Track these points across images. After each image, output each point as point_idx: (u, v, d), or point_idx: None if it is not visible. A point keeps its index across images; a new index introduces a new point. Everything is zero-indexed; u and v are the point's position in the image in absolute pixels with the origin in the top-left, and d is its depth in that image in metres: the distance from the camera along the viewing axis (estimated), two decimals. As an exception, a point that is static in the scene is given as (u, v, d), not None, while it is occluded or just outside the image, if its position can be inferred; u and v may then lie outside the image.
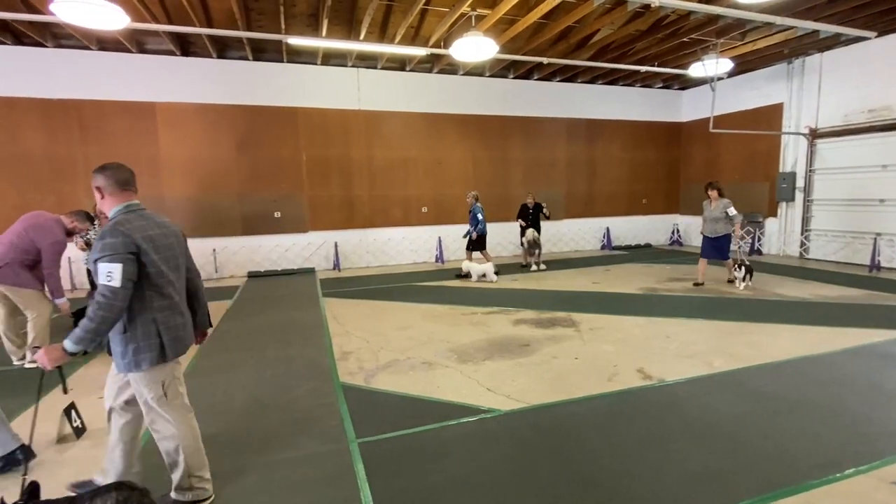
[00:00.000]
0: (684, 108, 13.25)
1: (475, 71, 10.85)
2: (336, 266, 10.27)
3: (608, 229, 12.73)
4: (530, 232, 9.63)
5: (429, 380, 4.05)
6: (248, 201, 9.67)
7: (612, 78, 11.85)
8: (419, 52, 8.65)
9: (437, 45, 8.60)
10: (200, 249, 9.47)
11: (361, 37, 8.02)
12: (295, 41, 7.87)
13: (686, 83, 12.56)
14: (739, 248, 7.64)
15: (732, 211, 7.20)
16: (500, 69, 10.97)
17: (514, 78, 11.34)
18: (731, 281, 7.70)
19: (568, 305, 6.54)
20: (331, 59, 9.82)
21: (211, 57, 9.06)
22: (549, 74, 11.33)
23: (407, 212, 10.84)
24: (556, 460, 2.79)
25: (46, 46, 8.18)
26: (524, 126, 11.62)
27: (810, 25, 7.49)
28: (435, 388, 3.87)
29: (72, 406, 3.28)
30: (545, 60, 9.42)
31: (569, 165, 12.23)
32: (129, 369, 2.27)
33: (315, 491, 2.55)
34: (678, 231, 13.51)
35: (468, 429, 3.20)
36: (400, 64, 10.34)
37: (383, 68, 10.25)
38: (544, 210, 9.84)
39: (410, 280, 8.87)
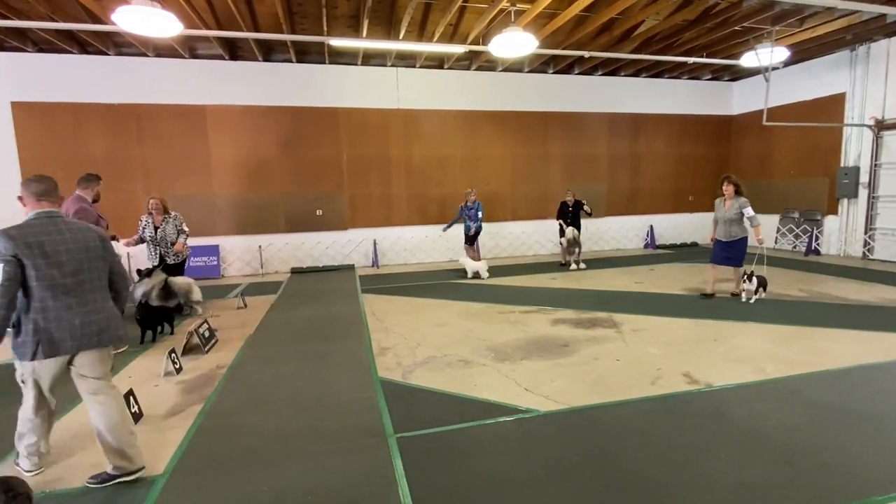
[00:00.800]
0: (735, 100, 12.61)
1: (514, 67, 10.73)
2: (374, 263, 10.43)
3: (652, 227, 12.32)
4: (570, 230, 9.44)
5: (466, 377, 4.06)
6: (291, 200, 9.97)
7: (658, 71, 11.43)
8: (457, 49, 8.64)
9: (475, 42, 8.56)
10: (247, 246, 9.87)
11: (401, 36, 8.08)
12: (336, 42, 8.04)
13: (737, 74, 11.95)
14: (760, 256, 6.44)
15: (750, 212, 6.16)
16: (540, 64, 10.81)
17: (555, 73, 11.14)
18: (735, 295, 6.55)
19: (609, 305, 6.37)
20: (371, 59, 9.97)
21: (257, 60, 9.40)
22: (591, 68, 11.06)
23: (444, 210, 10.86)
24: (596, 464, 2.73)
25: (108, 54, 8.73)
26: (564, 121, 11.39)
27: (877, 9, 6.95)
28: (472, 386, 3.87)
29: (130, 392, 3.50)
30: (587, 54, 9.21)
31: (611, 161, 11.90)
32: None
33: (355, 483, 2.61)
34: (727, 229, 12.89)
35: (506, 428, 3.18)
36: (438, 62, 10.37)
37: (422, 67, 10.31)
38: (585, 207, 9.61)
39: (447, 277, 8.90)
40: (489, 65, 10.52)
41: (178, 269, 6.39)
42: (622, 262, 10.14)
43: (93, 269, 2.69)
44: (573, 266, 9.45)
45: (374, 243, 10.44)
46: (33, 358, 2.53)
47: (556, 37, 8.76)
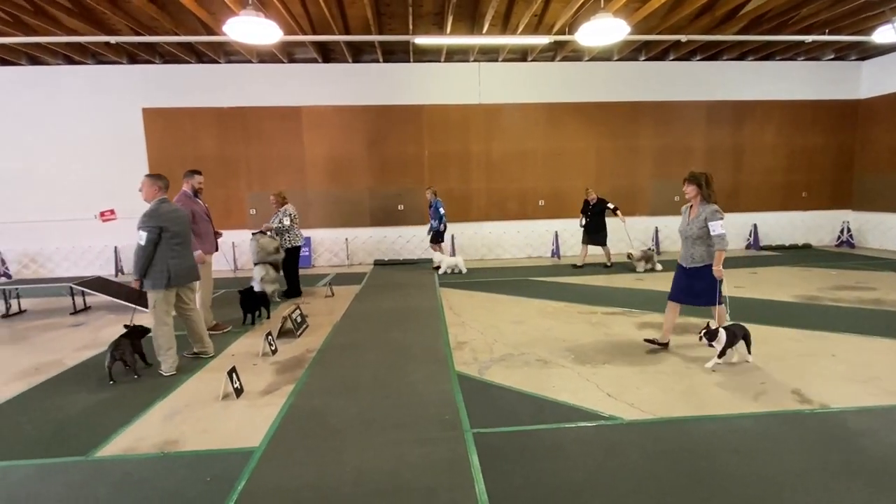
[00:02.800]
0: (864, 81, 10.99)
1: (602, 56, 10.23)
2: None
3: (755, 226, 11.17)
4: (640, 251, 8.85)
5: (544, 378, 3.96)
6: (375, 195, 10.38)
7: (767, 52, 10.29)
8: (542, 40, 8.43)
9: (561, 32, 8.27)
10: (335, 238, 10.45)
11: (484, 30, 8.04)
12: (421, 41, 8.19)
13: (867, 52, 10.41)
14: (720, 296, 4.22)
15: (717, 228, 4.07)
16: (630, 51, 10.20)
17: (646, 60, 10.46)
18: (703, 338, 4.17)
19: (703, 311, 5.84)
20: (454, 55, 10.04)
21: (347, 62, 9.86)
22: (688, 53, 10.24)
23: (523, 205, 10.69)
24: (687, 482, 2.53)
25: (219, 62, 9.65)
26: (656, 111, 10.67)
27: None
28: (550, 387, 3.77)
29: (233, 370, 3.86)
30: (684, 38, 8.53)
31: (708, 153, 10.95)
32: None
33: (432, 474, 2.65)
34: (848, 230, 11.31)
35: (586, 434, 3.06)
36: (521, 55, 10.19)
37: (504, 60, 10.20)
38: (610, 205, 8.98)
39: (525, 274, 8.75)
40: (575, 55, 10.13)
41: (285, 256, 7.08)
42: (719, 264, 9.29)
43: (188, 234, 4.43)
44: (639, 269, 8.77)
45: (452, 238, 10.55)
46: (166, 286, 4.19)
47: (649, 21, 8.21)
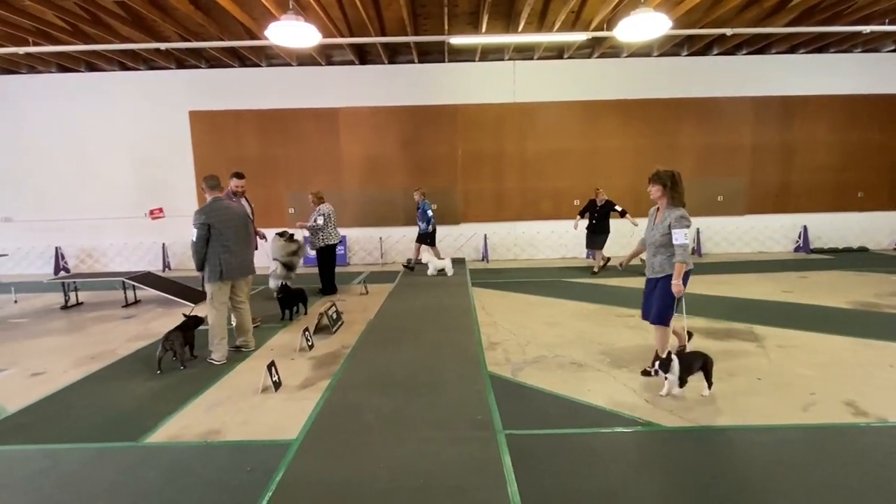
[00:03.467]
0: (931, 73, 10.23)
1: (641, 51, 9.97)
2: (485, 258, 10.52)
3: (805, 228, 10.60)
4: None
5: (578, 381, 3.90)
6: (409, 195, 10.44)
7: (821, 45, 9.74)
8: (580, 37, 8.28)
9: (599, 28, 8.11)
10: (368, 237, 10.62)
11: (520, 28, 7.97)
12: (456, 40, 8.20)
13: (937, 41, 9.68)
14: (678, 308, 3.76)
15: (680, 237, 3.59)
16: (672, 46, 9.89)
17: (689, 55, 10.11)
18: (647, 373, 3.93)
19: (749, 316, 5.63)
20: (488, 54, 10.01)
21: (383, 63, 9.99)
22: (734, 47, 9.84)
23: (557, 205, 10.54)
24: (729, 493, 2.43)
25: (261, 66, 9.97)
26: (698, 108, 10.29)
27: None
28: (585, 390, 3.71)
29: (272, 364, 3.98)
30: (729, 32, 8.18)
31: (755, 151, 10.47)
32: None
33: (464, 474, 2.66)
34: (912, 232, 10.58)
35: (622, 439, 2.99)
36: (557, 52, 10.05)
37: (540, 58, 10.09)
38: (617, 207, 8.59)
39: (559, 275, 8.63)
40: (613, 51, 9.91)
41: (320, 254, 7.29)
42: (766, 267, 8.89)
43: (241, 230, 4.63)
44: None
45: (485, 238, 10.52)
46: (220, 279, 4.47)
47: (692, 15, 7.94)
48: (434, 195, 10.46)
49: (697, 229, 10.52)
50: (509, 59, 10.09)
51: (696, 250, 10.44)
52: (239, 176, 5.74)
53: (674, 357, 3.49)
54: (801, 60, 10.22)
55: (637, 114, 10.29)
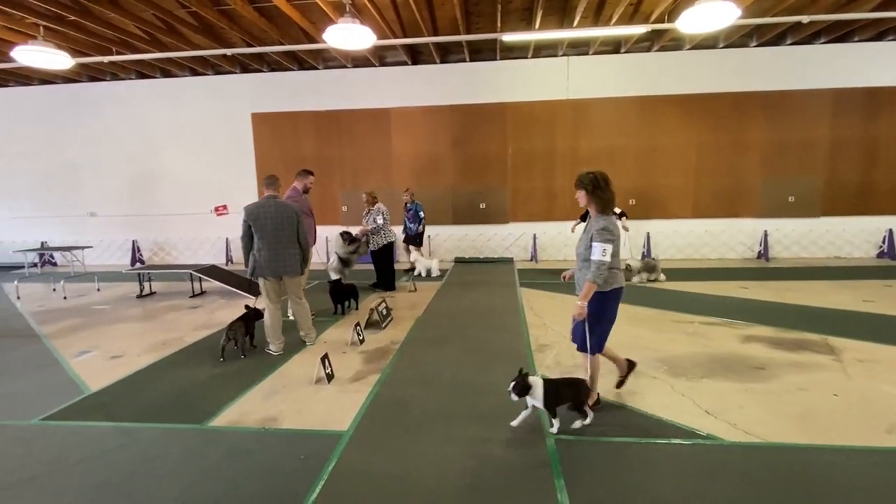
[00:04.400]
0: None
1: (705, 43, 9.44)
2: (533, 257, 10.36)
3: (890, 232, 9.65)
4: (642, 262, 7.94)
5: (632, 388, 3.74)
6: (458, 193, 10.50)
7: (916, 29, 8.81)
8: (639, 30, 7.96)
9: (660, 20, 7.75)
10: (417, 235, 10.73)
11: (575, 23, 7.77)
12: (509, 38, 8.11)
13: None
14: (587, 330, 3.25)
15: (597, 251, 3.07)
16: (740, 37, 9.30)
17: (758, 45, 9.45)
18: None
19: (823, 326, 5.20)
20: (541, 50, 9.83)
21: (435, 63, 10.06)
22: (811, 36, 9.10)
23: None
24: (801, 517, 2.26)
25: (318, 68, 10.32)
26: (768, 102, 9.61)
27: None
28: (640, 398, 3.56)
29: (326, 356, 4.11)
30: (806, 19, 7.58)
31: (833, 148, 9.65)
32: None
33: (513, 476, 2.63)
34: None
35: (679, 452, 2.84)
36: (614, 46, 9.71)
37: (595, 53, 9.79)
38: (616, 210, 7.86)
39: (612, 277, 8.32)
40: (674, 44, 9.45)
41: (376, 254, 7.44)
42: (843, 274, 8.17)
43: (278, 229, 4.61)
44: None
45: (534, 237, 10.35)
46: (252, 276, 4.70)
47: (763, 3, 7.43)
48: (483, 194, 10.43)
49: (765, 232, 9.84)
50: (563, 55, 9.86)
51: (763, 254, 9.77)
52: (311, 172, 6.00)
53: (539, 382, 3.03)
54: (889, 48, 9.28)
55: (699, 109, 9.75)
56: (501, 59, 10.01)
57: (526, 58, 9.94)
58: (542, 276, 8.71)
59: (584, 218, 8.32)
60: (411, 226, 8.87)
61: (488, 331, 5.35)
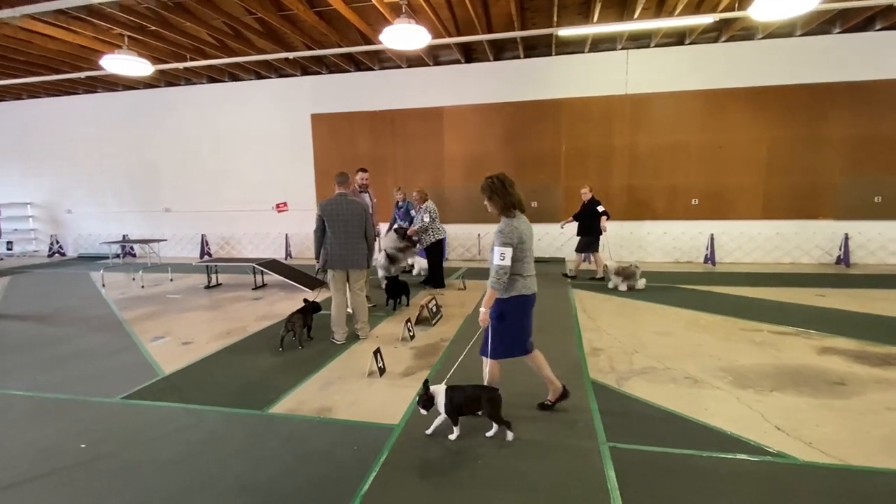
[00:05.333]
0: None
1: (780, 32, 8.76)
2: (587, 258, 10.06)
3: None
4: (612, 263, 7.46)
5: (694, 398, 3.55)
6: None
7: None
8: (706, 20, 7.50)
9: (729, 9, 7.29)
10: (467, 234, 10.74)
11: (636, 15, 7.46)
12: (565, 32, 7.93)
13: None
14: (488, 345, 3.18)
15: (495, 255, 3.09)
16: (820, 24, 8.55)
17: (842, 32, 8.65)
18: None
19: (915, 340, 4.69)
20: (599, 44, 9.52)
21: (489, 60, 10.00)
22: (907, 19, 8.20)
23: (672, 203, 9.72)
24: (889, 550, 2.05)
25: (374, 69, 10.55)
26: (853, 94, 8.78)
27: None
28: (702, 409, 3.37)
29: (378, 351, 4.21)
30: (903, 0, 6.84)
31: (930, 144, 8.67)
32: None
33: (565, 481, 2.57)
34: None
35: (747, 469, 2.66)
36: (677, 38, 9.23)
37: (657, 46, 9.35)
38: (599, 209, 7.73)
39: (671, 280, 7.95)
40: (745, 33, 8.84)
41: (428, 251, 7.54)
42: (941, 284, 7.34)
43: (346, 224, 4.83)
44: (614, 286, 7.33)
45: (589, 238, 10.05)
46: (323, 268, 4.95)
47: (852, -16, 6.78)
48: (535, 192, 10.26)
49: (846, 235, 9.02)
50: (622, 49, 9.50)
51: (843, 259, 8.97)
52: (363, 170, 6.16)
53: (441, 391, 2.96)
54: None
55: (772, 102, 9.07)
56: (556, 54, 9.79)
57: (582, 52, 9.66)
58: (573, 278, 8.44)
59: (576, 217, 8.18)
60: (402, 223, 8.67)
61: (539, 332, 5.19)
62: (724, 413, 3.31)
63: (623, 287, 7.24)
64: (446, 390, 2.98)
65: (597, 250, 8.21)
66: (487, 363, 3.22)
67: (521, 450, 2.88)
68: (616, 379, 3.94)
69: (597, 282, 7.94)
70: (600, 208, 7.91)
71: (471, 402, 2.96)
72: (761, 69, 9.03)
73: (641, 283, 7.29)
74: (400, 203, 8.74)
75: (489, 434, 3.03)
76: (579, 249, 8.27)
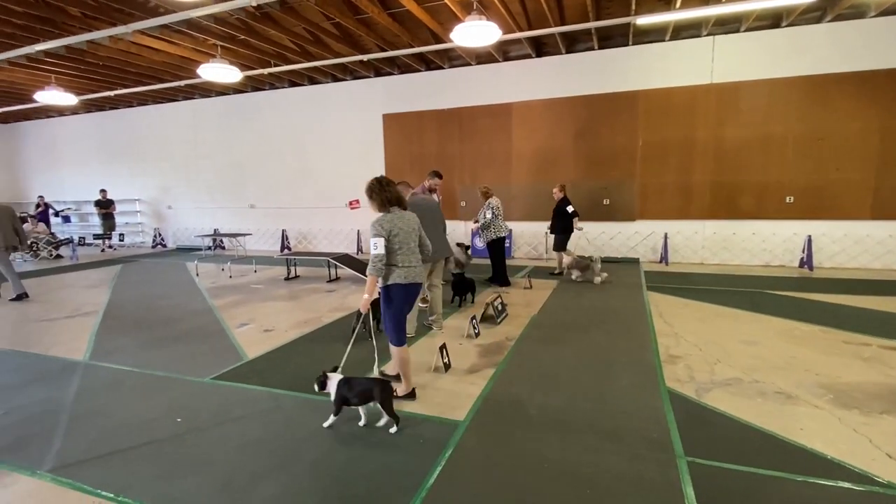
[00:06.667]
0: None
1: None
2: (663, 259, 9.51)
3: None
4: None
5: (787, 416, 3.24)
6: (579, 189, 10.04)
7: None
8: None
9: (838, -16, 6.52)
10: (534, 232, 10.54)
11: (725, -3, 6.90)
12: (644, 20, 7.51)
13: None
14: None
15: (371, 246, 3.53)
16: (956, -6, 7.40)
17: None
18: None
19: None
20: (681, 32, 8.92)
21: (560, 53, 9.72)
22: None
23: (762, 201, 8.90)
24: None
25: (444, 68, 10.65)
26: None
27: None
28: (797, 428, 3.06)
29: (444, 346, 4.25)
30: None
31: None
32: None
33: (638, 494, 2.44)
34: None
35: (849, 499, 2.38)
36: (773, 20, 8.42)
37: (748, 30, 8.58)
38: (569, 209, 7.93)
39: (761, 285, 7.30)
40: (853, 11, 7.87)
41: (490, 246, 7.56)
42: None
43: (438, 221, 5.31)
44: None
45: (665, 237, 9.49)
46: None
47: None
48: (607, 189, 9.85)
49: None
50: (708, 35, 8.83)
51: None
52: (439, 177, 6.31)
53: (335, 378, 3.17)
54: None
55: (886, 87, 8.00)
56: (634, 44, 9.30)
57: (663, 41, 9.10)
58: (674, 279, 7.96)
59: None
60: None
61: (610, 335, 5.05)
62: (824, 434, 2.98)
63: (579, 278, 7.87)
64: (339, 381, 3.18)
65: (564, 249, 8.30)
66: (393, 350, 3.64)
67: (585, 455, 2.78)
68: (695, 389, 3.68)
69: (555, 276, 8.39)
70: (570, 209, 8.02)
71: (362, 393, 3.13)
72: (873, 51, 7.99)
73: (598, 279, 7.66)
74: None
75: (380, 424, 3.19)
76: (556, 248, 8.49)
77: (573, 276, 7.94)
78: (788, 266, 8.82)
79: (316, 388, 3.25)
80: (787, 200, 8.73)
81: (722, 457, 2.75)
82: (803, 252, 8.66)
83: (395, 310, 3.55)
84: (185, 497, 2.51)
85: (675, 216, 9.47)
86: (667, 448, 2.85)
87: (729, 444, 2.89)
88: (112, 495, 2.53)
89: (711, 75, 8.91)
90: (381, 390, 3.09)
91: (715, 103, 8.93)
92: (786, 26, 8.38)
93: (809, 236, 8.59)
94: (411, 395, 3.61)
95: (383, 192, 3.54)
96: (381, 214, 3.53)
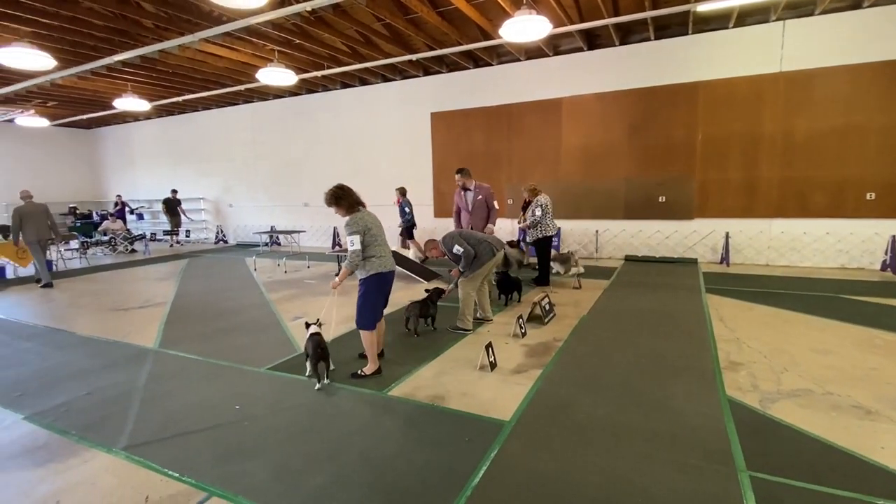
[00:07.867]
0: None
1: None
2: (724, 260, 8.98)
3: None
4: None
5: (864, 432, 2.97)
6: (632, 185, 9.68)
7: None
8: (896, -26, 6.14)
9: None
10: (584, 230, 10.26)
11: (798, -22, 6.39)
12: (705, 7, 7.11)
13: None
14: None
15: (348, 241, 4.23)
16: None
17: None
18: None
19: None
20: (747, 18, 8.37)
21: (614, 45, 9.39)
22: None
23: (838, 198, 8.20)
24: None
25: (492, 65, 10.57)
26: None
27: None
28: (876, 446, 2.80)
29: (490, 345, 4.23)
30: None
31: None
32: None
33: (692, 506, 2.33)
34: None
35: (942, 528, 2.15)
36: (852, 2, 7.71)
37: (823, 13, 7.91)
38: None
39: (835, 289, 6.73)
40: (956, -15, 7.06)
41: (537, 245, 7.49)
42: None
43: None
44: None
45: (727, 236, 8.96)
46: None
47: None
48: (663, 185, 9.43)
49: None
50: (777, 20, 8.22)
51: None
52: (458, 172, 6.44)
53: (308, 342, 3.91)
54: None
55: None
56: (694, 32, 8.82)
57: (726, 28, 8.57)
58: (736, 281, 7.50)
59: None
60: (405, 218, 10.00)
61: (665, 339, 4.83)
62: (910, 455, 2.71)
63: (561, 271, 8.03)
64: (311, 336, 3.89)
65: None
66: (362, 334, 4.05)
67: (638, 464, 2.67)
68: (759, 399, 3.45)
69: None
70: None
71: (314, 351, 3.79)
72: (979, 28, 7.14)
73: (574, 271, 7.87)
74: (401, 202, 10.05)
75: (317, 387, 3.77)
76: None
77: (554, 270, 8.08)
78: (868, 269, 8.08)
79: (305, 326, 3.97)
80: (868, 197, 7.99)
81: (789, 473, 2.56)
82: (886, 254, 7.90)
83: (372, 298, 4.00)
84: (242, 481, 2.64)
85: (737, 214, 8.92)
86: (727, 460, 2.68)
87: (797, 460, 2.68)
88: (177, 475, 2.71)
89: (780, 63, 8.29)
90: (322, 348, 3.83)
91: (784, 93, 8.32)
92: (868, 7, 7.66)
93: (893, 236, 7.82)
94: (378, 373, 4.03)
95: (348, 196, 4.13)
96: (352, 214, 4.02)
